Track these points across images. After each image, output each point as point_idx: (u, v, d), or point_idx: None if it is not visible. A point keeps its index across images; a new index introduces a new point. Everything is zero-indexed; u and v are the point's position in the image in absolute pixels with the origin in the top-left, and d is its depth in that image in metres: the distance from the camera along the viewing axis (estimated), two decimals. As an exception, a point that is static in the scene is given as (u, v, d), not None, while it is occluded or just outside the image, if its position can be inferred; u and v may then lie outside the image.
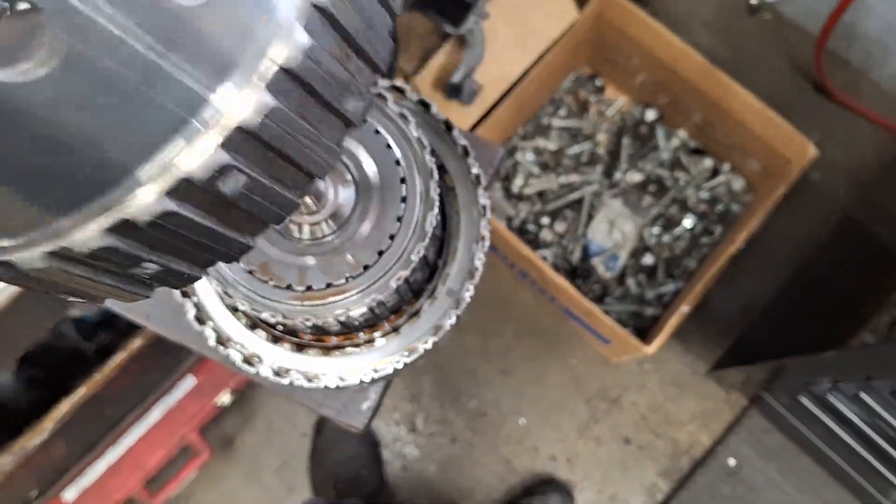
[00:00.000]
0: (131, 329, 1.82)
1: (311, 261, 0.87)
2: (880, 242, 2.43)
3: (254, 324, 1.00)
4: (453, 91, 1.98)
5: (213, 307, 0.99)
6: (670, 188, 2.64)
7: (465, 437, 2.69)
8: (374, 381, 0.96)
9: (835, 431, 1.94)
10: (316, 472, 2.61)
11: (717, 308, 2.67)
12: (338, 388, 0.96)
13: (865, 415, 1.74)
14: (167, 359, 2.08)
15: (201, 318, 0.98)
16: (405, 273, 0.86)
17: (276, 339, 0.99)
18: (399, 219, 0.87)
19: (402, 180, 0.88)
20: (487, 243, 0.96)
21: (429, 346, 0.95)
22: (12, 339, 1.71)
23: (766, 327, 2.57)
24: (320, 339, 0.99)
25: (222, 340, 0.98)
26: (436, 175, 0.87)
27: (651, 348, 2.22)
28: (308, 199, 0.84)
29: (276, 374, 0.97)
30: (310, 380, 0.98)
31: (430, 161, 0.87)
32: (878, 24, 2.55)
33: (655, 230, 2.61)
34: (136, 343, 1.75)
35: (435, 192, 0.87)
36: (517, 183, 2.66)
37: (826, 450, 2.19)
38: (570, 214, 2.65)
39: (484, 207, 0.96)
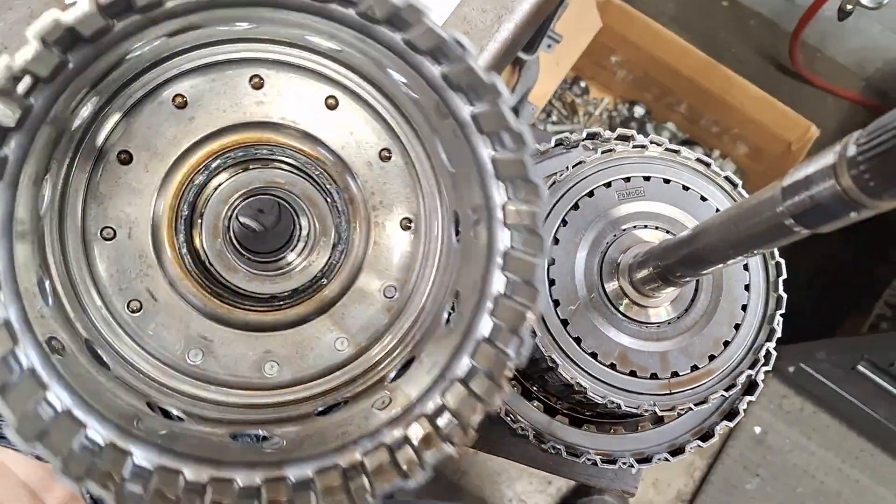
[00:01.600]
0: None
1: (670, 345, 0.84)
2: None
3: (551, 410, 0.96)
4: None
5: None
6: (670, 179, 2.73)
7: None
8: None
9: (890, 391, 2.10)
10: None
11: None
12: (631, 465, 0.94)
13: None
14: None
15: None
16: (772, 345, 0.85)
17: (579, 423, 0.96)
18: (747, 287, 0.86)
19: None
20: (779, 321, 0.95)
21: (721, 430, 0.94)
22: None
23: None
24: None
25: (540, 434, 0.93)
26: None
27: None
28: (670, 288, 0.81)
29: (573, 453, 0.94)
30: (605, 461, 0.95)
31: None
32: (831, 2, 2.74)
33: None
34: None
35: (778, 262, 0.86)
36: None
37: (863, 407, 2.37)
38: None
39: (779, 265, 0.96)
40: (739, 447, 2.71)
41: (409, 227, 0.80)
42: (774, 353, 0.91)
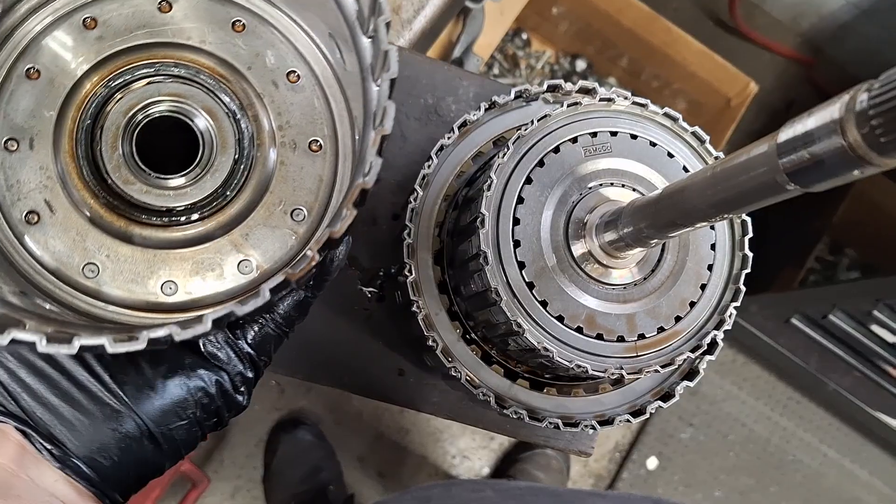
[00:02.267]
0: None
1: (637, 307, 0.82)
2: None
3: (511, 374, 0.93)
4: (458, 66, 1.88)
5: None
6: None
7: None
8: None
9: (821, 343, 2.17)
10: (273, 495, 2.42)
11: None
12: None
13: (862, 328, 1.97)
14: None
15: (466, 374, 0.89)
16: (735, 304, 0.83)
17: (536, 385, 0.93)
18: (713, 246, 0.84)
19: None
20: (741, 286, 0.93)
21: (681, 391, 0.92)
22: None
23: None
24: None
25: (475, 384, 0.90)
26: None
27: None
28: (637, 249, 0.78)
29: (535, 418, 0.91)
30: (566, 424, 0.93)
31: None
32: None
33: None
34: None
35: (745, 220, 0.84)
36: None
37: (794, 358, 2.45)
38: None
39: (744, 223, 0.94)
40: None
41: (318, 151, 0.82)
42: (734, 313, 0.90)
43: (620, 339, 0.81)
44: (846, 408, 2.66)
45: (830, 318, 2.01)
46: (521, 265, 0.80)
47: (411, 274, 0.89)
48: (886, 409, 2.52)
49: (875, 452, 2.86)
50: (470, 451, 2.61)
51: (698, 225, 0.67)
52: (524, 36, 2.78)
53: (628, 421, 0.92)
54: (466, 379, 0.89)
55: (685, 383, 0.92)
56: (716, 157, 0.86)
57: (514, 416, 0.89)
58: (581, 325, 0.80)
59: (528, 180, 0.82)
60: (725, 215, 0.62)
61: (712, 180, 0.60)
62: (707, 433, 2.78)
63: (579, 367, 0.79)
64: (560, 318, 0.80)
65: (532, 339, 0.79)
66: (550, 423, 0.90)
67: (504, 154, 0.81)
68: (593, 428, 0.91)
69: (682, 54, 2.47)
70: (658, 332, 0.82)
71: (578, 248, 0.81)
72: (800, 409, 2.80)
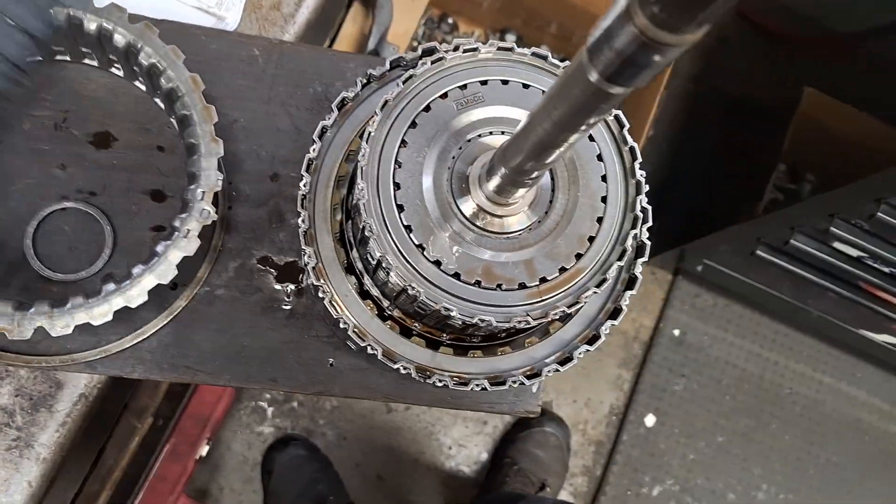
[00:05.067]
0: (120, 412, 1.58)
1: (534, 252, 0.80)
2: (738, 97, 2.67)
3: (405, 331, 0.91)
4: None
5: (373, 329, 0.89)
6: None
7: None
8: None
9: (790, 270, 2.16)
10: None
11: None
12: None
13: (825, 247, 1.96)
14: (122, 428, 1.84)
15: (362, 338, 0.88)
16: (636, 230, 0.82)
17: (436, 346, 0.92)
18: (604, 178, 0.83)
19: (591, 138, 0.83)
20: (648, 207, 0.92)
21: (607, 331, 0.91)
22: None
23: (674, 206, 2.77)
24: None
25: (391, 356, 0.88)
26: (626, 122, 0.83)
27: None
28: (521, 190, 0.77)
29: (460, 382, 0.90)
30: (494, 384, 0.91)
31: (623, 119, 0.83)
32: None
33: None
34: (147, 422, 1.52)
35: (629, 138, 0.83)
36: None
37: (769, 290, 2.44)
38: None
39: (633, 149, 0.93)
40: (662, 352, 2.77)
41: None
42: (649, 243, 0.89)
43: (522, 286, 0.80)
44: (832, 331, 2.65)
45: (792, 242, 2.00)
46: (409, 229, 0.79)
47: (311, 260, 0.87)
48: (869, 325, 2.51)
49: (870, 370, 2.85)
50: (465, 439, 2.59)
51: (564, 147, 0.65)
52: (450, 21, 2.77)
53: (557, 370, 0.90)
54: (384, 354, 0.87)
55: (610, 322, 0.90)
56: (592, 89, 0.84)
57: (439, 385, 0.88)
58: (479, 279, 0.79)
59: (403, 143, 0.81)
60: (579, 131, 0.61)
61: (550, 103, 0.59)
62: (700, 381, 2.78)
63: (483, 321, 0.78)
64: (456, 276, 0.79)
65: (430, 301, 0.77)
66: (477, 385, 0.88)
67: (373, 122, 0.80)
68: (522, 383, 0.90)
69: (603, 8, 2.45)
70: (560, 273, 0.80)
71: (465, 201, 0.80)
72: (788, 340, 2.79)
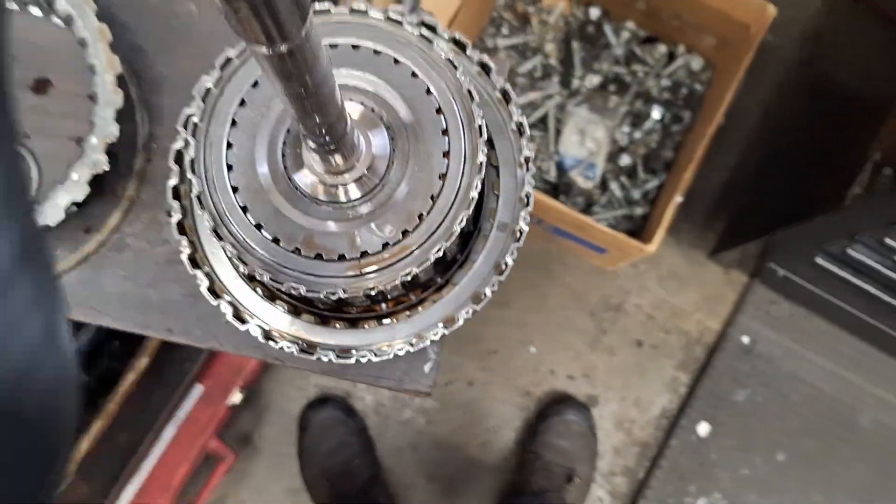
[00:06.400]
0: (130, 351, 1.70)
1: (357, 224, 0.78)
2: (848, 89, 2.41)
3: (295, 310, 0.91)
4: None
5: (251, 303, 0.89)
6: (630, 83, 2.58)
7: (480, 378, 2.65)
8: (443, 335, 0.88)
9: (855, 284, 1.94)
10: (307, 471, 2.50)
11: (699, 191, 2.65)
12: (408, 353, 0.88)
13: (887, 260, 1.73)
14: (170, 373, 1.96)
15: (241, 317, 0.88)
16: (468, 213, 0.77)
17: (324, 321, 0.91)
18: (445, 154, 0.78)
19: (439, 110, 0.78)
20: (532, 166, 0.87)
21: (495, 288, 0.87)
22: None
23: (755, 200, 2.56)
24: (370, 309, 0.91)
25: (272, 336, 0.88)
26: (476, 97, 0.78)
27: (652, 247, 2.18)
28: (338, 157, 0.74)
29: (341, 356, 0.88)
30: (376, 354, 0.89)
31: (466, 82, 0.78)
32: None
33: (626, 129, 2.55)
34: (142, 363, 1.63)
35: (479, 116, 0.77)
36: (477, 112, 2.56)
37: (842, 305, 2.21)
38: (537, 134, 2.57)
39: (520, 125, 0.87)
40: (726, 359, 2.59)
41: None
42: (498, 228, 0.83)
43: (342, 257, 0.77)
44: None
45: (849, 252, 1.80)
46: (235, 189, 0.78)
47: (171, 216, 0.89)
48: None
49: (970, 408, 2.52)
50: (504, 422, 2.56)
51: (319, 117, 0.63)
52: (534, -9, 2.69)
53: (409, 351, 0.87)
54: (233, 315, 0.88)
55: (471, 306, 0.86)
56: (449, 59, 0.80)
57: (287, 350, 0.88)
58: (299, 246, 0.77)
59: (243, 103, 0.80)
60: (300, 105, 0.58)
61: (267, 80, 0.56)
62: (765, 394, 2.57)
63: (293, 288, 0.77)
64: (276, 240, 0.78)
65: (243, 262, 0.77)
66: (323, 356, 0.87)
67: (212, 78, 0.80)
68: (375, 356, 0.87)
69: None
70: (383, 249, 0.77)
71: (297, 167, 0.78)
72: (870, 362, 2.52)
